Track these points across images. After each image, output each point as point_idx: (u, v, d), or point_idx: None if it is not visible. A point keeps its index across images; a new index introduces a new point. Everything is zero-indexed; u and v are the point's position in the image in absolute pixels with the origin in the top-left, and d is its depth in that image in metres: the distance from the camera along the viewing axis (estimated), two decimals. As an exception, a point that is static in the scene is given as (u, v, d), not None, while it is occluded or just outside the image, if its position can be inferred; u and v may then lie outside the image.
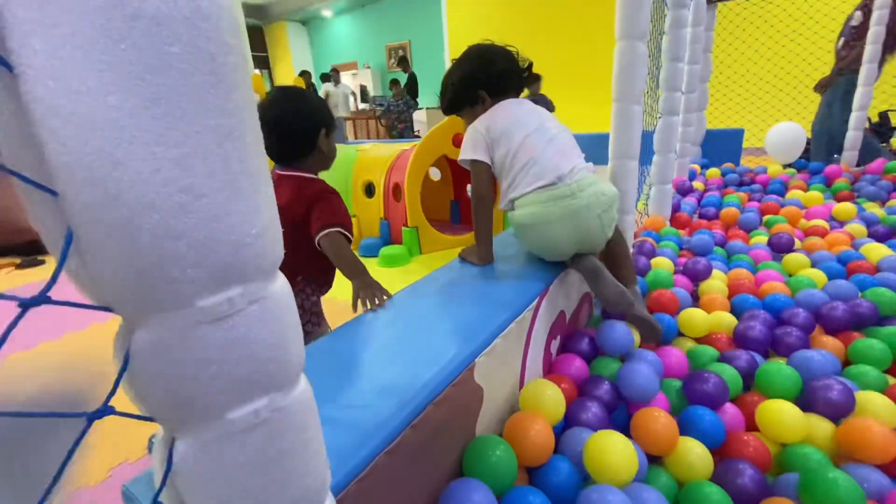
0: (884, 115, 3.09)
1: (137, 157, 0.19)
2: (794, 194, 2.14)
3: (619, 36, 1.03)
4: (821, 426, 0.81)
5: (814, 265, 1.42)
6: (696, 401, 0.88)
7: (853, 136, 2.68)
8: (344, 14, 9.35)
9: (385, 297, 0.86)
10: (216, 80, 0.21)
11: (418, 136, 6.10)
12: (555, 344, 1.02)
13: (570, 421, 0.83)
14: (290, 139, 0.96)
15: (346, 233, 0.95)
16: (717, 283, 1.34)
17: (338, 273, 1.04)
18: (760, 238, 1.71)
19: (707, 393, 0.87)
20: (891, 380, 0.94)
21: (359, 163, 2.87)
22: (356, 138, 7.60)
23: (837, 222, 1.84)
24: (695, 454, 0.76)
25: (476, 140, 1.03)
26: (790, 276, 1.38)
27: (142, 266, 0.20)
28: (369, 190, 2.83)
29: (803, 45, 3.40)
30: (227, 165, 0.22)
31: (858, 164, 2.59)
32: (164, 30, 0.19)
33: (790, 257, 1.47)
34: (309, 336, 1.04)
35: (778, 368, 0.91)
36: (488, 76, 1.05)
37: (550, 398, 0.79)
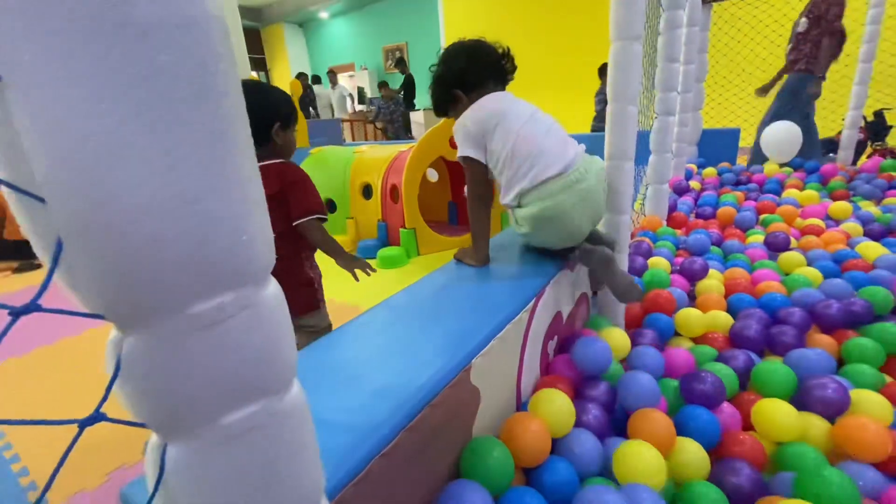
0: (879, 114, 3.11)
1: (126, 165, 0.19)
2: (791, 193, 2.15)
3: (614, 37, 1.03)
4: (816, 424, 0.81)
5: (810, 264, 1.43)
6: (693, 400, 0.88)
7: (848, 134, 2.70)
8: (340, 16, 9.35)
9: (369, 270, 1.09)
10: (206, 88, 0.21)
11: (412, 139, 6.10)
12: (552, 344, 1.03)
13: (567, 422, 0.83)
14: None
15: (322, 216, 1.08)
16: (713, 283, 1.34)
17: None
18: (757, 237, 1.72)
19: (704, 392, 0.87)
20: (886, 378, 0.94)
21: (356, 164, 2.87)
22: (354, 140, 7.60)
23: (833, 221, 1.85)
24: (691, 454, 0.76)
25: (465, 135, 1.02)
26: (786, 274, 1.38)
27: (131, 273, 0.20)
28: (367, 191, 2.83)
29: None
30: (218, 171, 0.22)
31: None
32: (153, 39, 0.19)
33: (786, 256, 1.47)
34: (323, 308, 1.16)
35: (773, 367, 0.92)
36: (457, 75, 1.04)
37: (560, 408, 0.77)
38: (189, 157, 0.21)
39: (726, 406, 0.88)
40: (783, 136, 2.66)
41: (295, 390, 0.28)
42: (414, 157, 2.45)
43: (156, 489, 0.24)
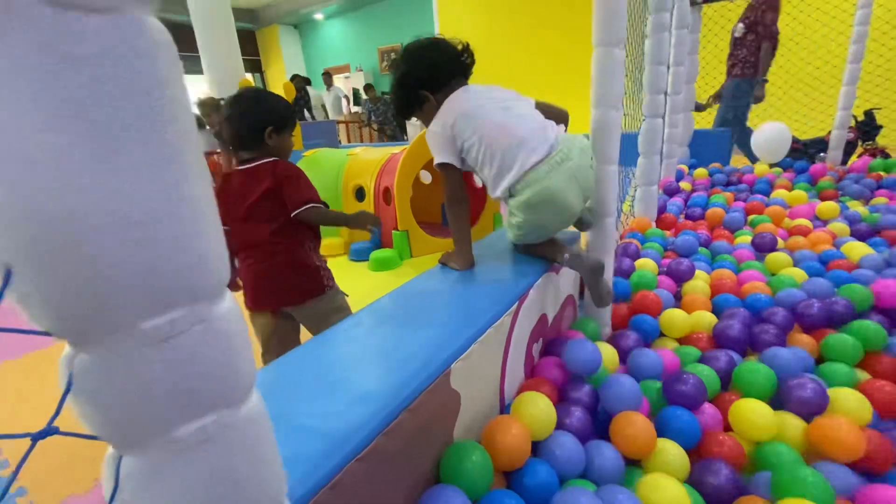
0: (869, 114, 3.12)
1: (73, 190, 0.20)
2: (779, 194, 2.16)
3: (596, 43, 1.04)
4: (793, 424, 0.82)
5: (796, 264, 1.44)
6: (675, 401, 0.89)
7: (837, 134, 2.72)
8: (336, 17, 9.34)
9: (375, 226, 1.20)
10: (152, 114, 0.22)
11: (406, 140, 6.11)
12: (537, 347, 1.03)
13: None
14: (238, 134, 1.12)
15: (317, 204, 1.13)
16: (699, 284, 1.36)
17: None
18: (745, 238, 1.73)
19: (686, 393, 0.88)
20: (863, 375, 0.96)
21: (349, 167, 2.87)
22: (349, 142, 7.60)
23: (821, 221, 1.86)
24: (671, 455, 0.77)
25: (437, 142, 1.02)
26: (772, 275, 1.40)
27: (80, 294, 0.21)
28: (359, 194, 2.83)
29: (788, 45, 3.44)
30: (166, 194, 0.22)
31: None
32: (98, 69, 0.20)
33: (773, 257, 1.49)
34: (332, 292, 1.18)
35: (753, 367, 0.93)
36: (422, 74, 1.04)
37: (542, 411, 0.78)
38: (136, 180, 0.21)
39: (708, 407, 0.89)
40: (773, 136, 2.68)
41: (252, 401, 0.28)
42: (406, 159, 2.46)
43: (111, 501, 0.24)
